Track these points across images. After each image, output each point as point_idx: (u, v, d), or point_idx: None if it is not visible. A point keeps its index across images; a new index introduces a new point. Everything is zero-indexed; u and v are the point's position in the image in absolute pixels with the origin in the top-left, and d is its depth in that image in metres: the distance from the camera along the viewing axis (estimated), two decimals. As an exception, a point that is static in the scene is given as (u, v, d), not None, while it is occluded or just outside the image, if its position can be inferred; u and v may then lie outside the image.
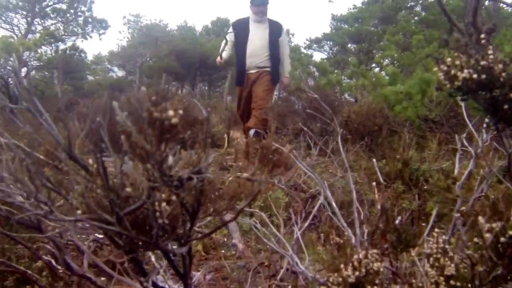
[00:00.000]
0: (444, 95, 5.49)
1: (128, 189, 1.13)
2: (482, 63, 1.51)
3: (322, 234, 2.94)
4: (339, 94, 7.67)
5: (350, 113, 5.47)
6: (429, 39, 26.68)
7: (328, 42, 42.85)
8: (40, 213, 1.32)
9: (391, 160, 4.43)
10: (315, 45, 43.09)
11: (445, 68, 1.58)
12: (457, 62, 1.55)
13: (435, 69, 1.61)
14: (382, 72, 9.12)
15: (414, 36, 10.56)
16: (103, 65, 45.86)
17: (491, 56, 1.51)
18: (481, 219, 1.38)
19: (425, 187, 3.96)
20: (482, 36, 1.58)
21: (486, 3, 17.76)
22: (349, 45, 40.62)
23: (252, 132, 7.65)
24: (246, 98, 8.03)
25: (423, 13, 34.15)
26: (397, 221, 1.88)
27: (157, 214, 1.15)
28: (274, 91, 8.85)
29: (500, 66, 1.51)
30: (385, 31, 32.27)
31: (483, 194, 2.25)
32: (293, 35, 51.64)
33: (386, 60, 11.86)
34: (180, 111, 1.08)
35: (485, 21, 18.44)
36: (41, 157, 1.57)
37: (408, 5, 35.90)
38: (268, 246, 2.23)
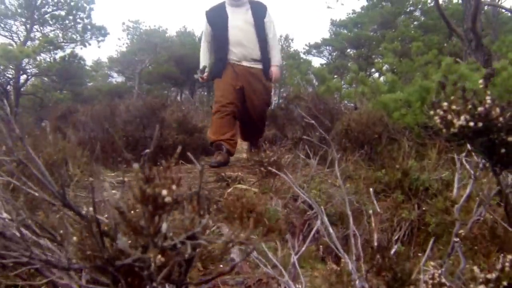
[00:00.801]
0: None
1: (123, 239, 1.12)
2: (479, 109, 1.50)
3: (321, 246, 2.94)
4: (338, 101, 7.62)
5: (350, 121, 5.47)
6: (428, 44, 26.74)
7: (328, 48, 42.94)
8: (36, 266, 1.32)
9: (391, 170, 4.42)
10: (314, 51, 43.16)
11: (441, 113, 1.57)
12: (454, 107, 1.54)
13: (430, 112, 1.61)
14: (382, 77, 9.11)
15: (413, 43, 10.53)
16: (102, 70, 45.98)
17: (488, 101, 1.50)
18: (476, 269, 1.37)
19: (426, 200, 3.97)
20: (480, 81, 1.57)
21: (486, 7, 17.76)
22: (349, 50, 40.72)
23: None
24: (238, 95, 6.79)
25: (422, 18, 34.27)
26: (392, 251, 1.87)
27: (152, 266, 1.14)
28: (271, 93, 7.68)
29: (498, 110, 1.50)
30: (385, 36, 32.36)
31: (481, 217, 2.24)
32: (292, 40, 51.78)
33: (386, 66, 11.85)
34: (174, 187, 1.07)
35: (485, 26, 18.50)
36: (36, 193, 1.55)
37: (407, 10, 35.98)
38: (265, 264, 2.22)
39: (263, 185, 3.74)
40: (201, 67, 7.10)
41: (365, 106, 6.38)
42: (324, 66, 41.96)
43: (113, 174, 5.48)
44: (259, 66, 6.86)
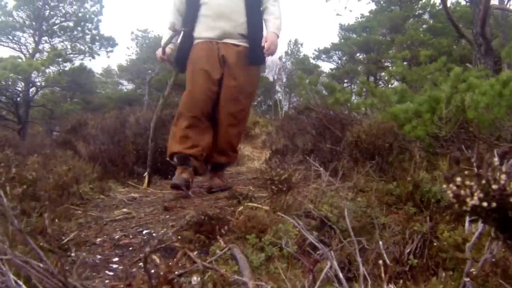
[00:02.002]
0: (454, 111, 5.52)
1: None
2: (494, 186, 1.48)
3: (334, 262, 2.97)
4: (348, 112, 7.59)
5: (360, 132, 5.49)
6: (437, 48, 26.66)
7: (337, 52, 43.13)
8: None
9: (402, 182, 4.44)
10: (323, 56, 43.37)
11: (454, 188, 1.55)
12: (467, 183, 1.52)
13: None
14: (393, 84, 9.12)
15: (421, 52, 10.54)
16: (112, 78, 46.26)
17: (503, 179, 1.48)
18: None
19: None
20: (495, 159, 1.55)
21: (494, 11, 17.76)
22: (358, 55, 40.83)
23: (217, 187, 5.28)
24: (216, 88, 5.19)
25: (431, 21, 34.26)
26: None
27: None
28: (257, 82, 5.69)
29: (513, 186, 1.45)
30: (394, 40, 32.41)
31: (493, 255, 2.23)
32: (301, 45, 51.86)
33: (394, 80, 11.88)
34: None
35: (494, 27, 18.46)
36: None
37: (416, 13, 35.99)
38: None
39: (274, 203, 3.78)
40: (164, 37, 5.45)
41: (375, 117, 6.38)
42: (334, 71, 42.22)
43: (124, 189, 5.51)
44: (244, 44, 5.20)
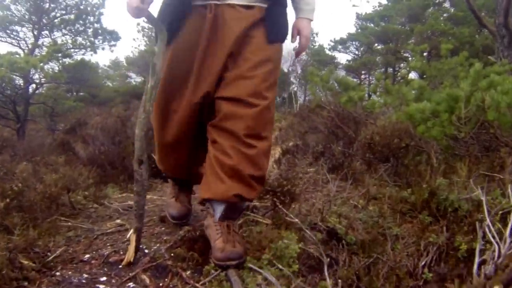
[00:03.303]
0: (474, 111, 5.42)
1: None
2: None
3: (340, 280, 2.90)
4: (362, 111, 7.45)
5: (373, 134, 5.40)
6: (459, 37, 26.46)
7: (354, 43, 42.98)
8: None
9: (417, 189, 4.36)
10: (340, 46, 43.21)
11: None
12: None
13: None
14: (410, 81, 9.00)
15: (442, 45, 10.39)
16: (120, 70, 46.40)
17: None
18: None
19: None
20: None
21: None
22: (376, 45, 40.65)
23: (219, 211, 3.16)
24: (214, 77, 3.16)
25: (452, 10, 34.01)
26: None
27: None
28: (279, 65, 3.47)
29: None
30: (413, 29, 32.20)
31: None
32: (317, 34, 51.63)
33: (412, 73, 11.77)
34: None
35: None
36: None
37: (436, 1, 35.73)
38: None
39: (276, 217, 3.69)
40: None
41: (389, 117, 6.29)
42: (351, 62, 42.09)
43: (121, 195, 5.44)
44: (260, 4, 3.20)
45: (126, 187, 6.03)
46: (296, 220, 3.40)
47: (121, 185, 6.15)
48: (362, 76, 42.83)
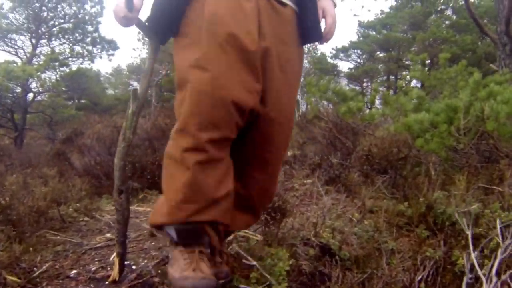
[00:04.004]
0: (473, 122, 5.37)
1: None
2: None
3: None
4: (360, 122, 7.36)
5: (371, 146, 5.35)
6: (461, 45, 26.45)
7: (356, 51, 43.02)
8: None
9: (414, 202, 4.31)
10: (341, 54, 43.24)
11: None
12: None
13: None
14: (410, 90, 8.96)
15: (440, 55, 10.34)
16: (121, 79, 46.59)
17: None
18: None
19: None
20: None
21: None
22: (378, 53, 40.69)
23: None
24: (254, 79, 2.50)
25: (454, 17, 34.05)
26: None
27: None
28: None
29: None
30: (415, 37, 32.21)
31: None
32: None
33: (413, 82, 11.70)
34: None
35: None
36: None
37: (438, 9, 35.77)
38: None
39: (267, 233, 3.63)
40: None
41: (387, 128, 6.25)
42: (353, 70, 42.15)
43: (114, 207, 5.40)
44: (291, 3, 2.76)
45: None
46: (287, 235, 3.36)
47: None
48: (364, 84, 42.87)
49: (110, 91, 45.27)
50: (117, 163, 2.73)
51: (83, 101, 36.46)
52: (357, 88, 39.98)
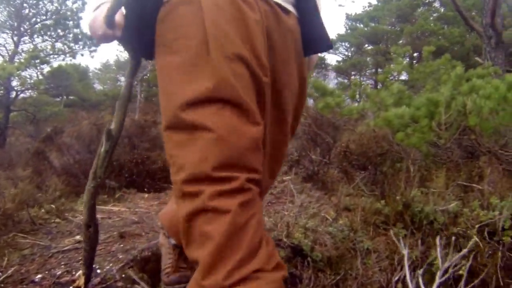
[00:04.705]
0: (455, 116, 5.30)
1: None
2: None
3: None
4: (340, 117, 7.26)
5: (349, 142, 5.27)
6: (449, 38, 26.44)
7: (343, 44, 43.01)
8: None
9: (391, 200, 4.22)
10: (329, 48, 43.20)
11: None
12: None
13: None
14: (392, 84, 8.88)
15: (424, 47, 10.27)
16: (110, 73, 46.56)
17: None
18: None
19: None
20: None
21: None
22: (366, 46, 40.73)
23: None
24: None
25: (442, 9, 34.10)
26: None
27: None
28: None
29: None
30: (403, 30, 32.22)
31: None
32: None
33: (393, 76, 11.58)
34: None
35: (506, 16, 18.24)
36: None
37: (426, 1, 35.83)
38: None
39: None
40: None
41: (367, 123, 6.16)
42: (341, 63, 42.16)
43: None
44: (294, 11, 2.32)
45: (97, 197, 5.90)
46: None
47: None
48: (352, 77, 42.92)
49: (99, 87, 45.37)
50: (86, 201, 2.56)
51: (71, 97, 36.44)
52: (345, 81, 40.00)
